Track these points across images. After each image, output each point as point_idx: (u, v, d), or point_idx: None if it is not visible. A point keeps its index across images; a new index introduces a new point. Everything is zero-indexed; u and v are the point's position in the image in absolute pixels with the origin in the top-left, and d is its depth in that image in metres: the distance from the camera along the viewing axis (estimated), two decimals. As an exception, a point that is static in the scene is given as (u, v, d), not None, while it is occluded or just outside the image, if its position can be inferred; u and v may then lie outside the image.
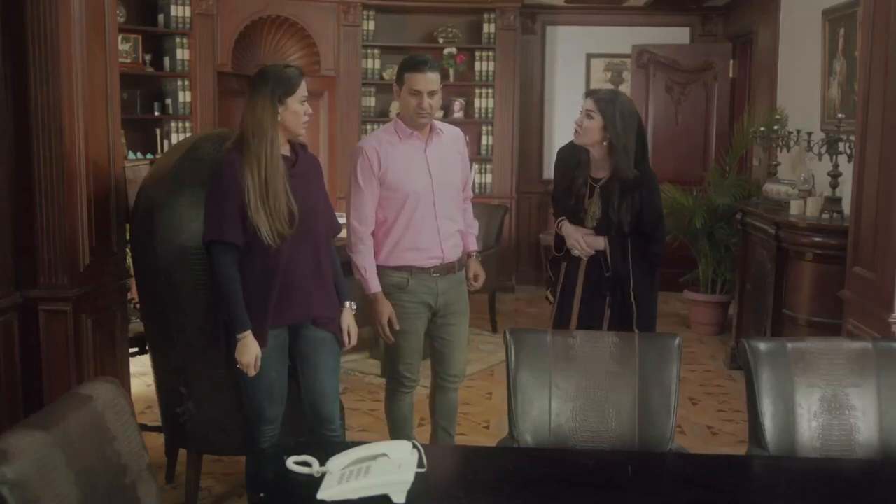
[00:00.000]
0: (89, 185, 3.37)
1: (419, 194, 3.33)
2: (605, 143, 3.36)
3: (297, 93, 2.86)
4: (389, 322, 3.34)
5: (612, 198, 3.37)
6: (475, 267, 3.57)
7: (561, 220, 3.52)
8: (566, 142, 3.59)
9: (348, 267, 3.37)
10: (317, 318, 3.00)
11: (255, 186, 2.78)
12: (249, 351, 2.85)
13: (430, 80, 3.26)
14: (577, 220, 3.46)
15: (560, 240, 3.54)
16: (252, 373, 2.87)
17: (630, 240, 3.40)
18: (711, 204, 6.29)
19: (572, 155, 3.51)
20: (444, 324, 3.48)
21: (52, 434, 1.72)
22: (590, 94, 3.44)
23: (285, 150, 2.93)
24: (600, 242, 3.41)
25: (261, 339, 2.90)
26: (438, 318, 3.46)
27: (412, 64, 3.30)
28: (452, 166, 3.45)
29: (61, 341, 3.28)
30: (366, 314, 3.53)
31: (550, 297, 3.64)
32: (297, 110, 2.87)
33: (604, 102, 3.34)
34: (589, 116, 3.35)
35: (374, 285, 3.34)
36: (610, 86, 8.13)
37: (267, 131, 2.81)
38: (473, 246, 3.61)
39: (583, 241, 3.41)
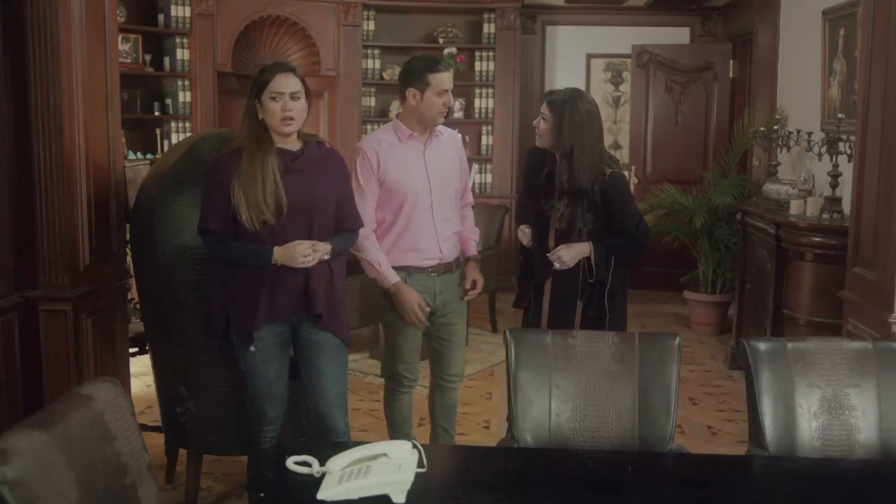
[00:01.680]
0: (89, 185, 3.37)
1: (417, 195, 3.32)
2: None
3: (266, 90, 2.85)
4: (420, 307, 3.30)
5: (572, 202, 3.27)
6: (474, 272, 3.51)
7: (522, 229, 3.46)
8: None
9: (356, 267, 3.36)
10: (316, 316, 2.96)
11: (239, 181, 2.83)
12: (287, 253, 2.83)
13: (450, 78, 3.32)
14: (544, 221, 3.36)
15: (524, 246, 3.48)
16: (310, 257, 2.85)
17: (612, 243, 3.33)
18: (711, 204, 6.29)
19: (540, 157, 3.42)
20: (443, 323, 3.48)
21: (52, 434, 1.72)
22: (546, 94, 3.39)
23: (288, 143, 2.93)
24: (585, 249, 3.31)
25: (248, 338, 2.92)
26: (437, 317, 3.46)
27: (433, 64, 3.31)
28: (450, 168, 3.44)
29: (61, 341, 3.28)
30: (367, 313, 3.53)
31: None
32: (269, 108, 2.85)
33: (555, 104, 3.27)
34: (543, 118, 3.31)
35: (391, 276, 3.31)
36: (610, 86, 8.13)
37: (246, 129, 2.89)
38: (473, 251, 3.56)
39: (565, 255, 3.29)
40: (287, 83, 2.86)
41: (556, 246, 3.35)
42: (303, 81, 2.92)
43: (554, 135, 3.27)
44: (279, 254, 2.84)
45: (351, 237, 3.10)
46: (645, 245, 3.45)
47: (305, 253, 2.83)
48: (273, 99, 2.85)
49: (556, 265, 3.32)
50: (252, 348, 2.94)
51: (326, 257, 2.92)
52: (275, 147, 2.89)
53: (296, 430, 3.21)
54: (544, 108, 3.31)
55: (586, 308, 3.36)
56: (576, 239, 3.30)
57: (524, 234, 3.44)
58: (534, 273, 3.43)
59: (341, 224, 3.01)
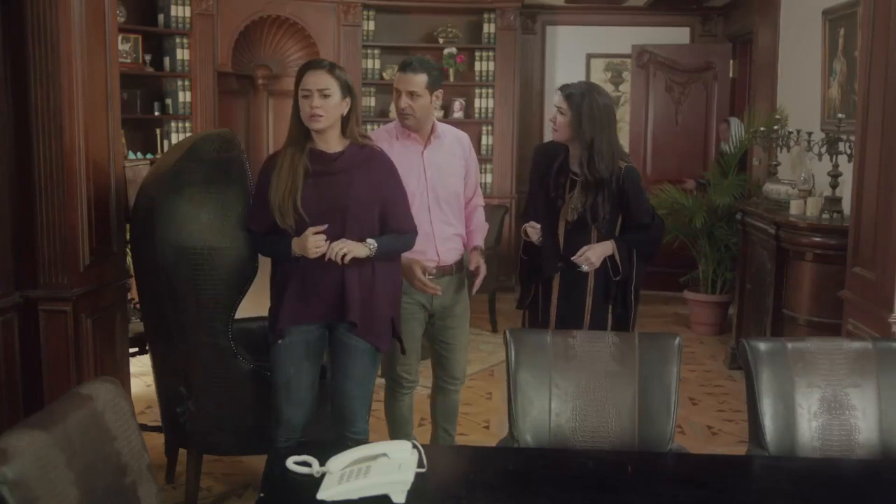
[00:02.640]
0: (89, 185, 3.37)
1: (413, 196, 3.28)
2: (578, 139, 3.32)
3: (298, 88, 2.89)
4: (425, 272, 3.25)
5: (591, 193, 3.30)
6: (477, 259, 3.47)
7: (529, 226, 3.42)
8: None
9: None
10: (351, 322, 2.92)
11: (274, 177, 2.90)
12: (300, 243, 2.84)
13: (408, 80, 3.25)
14: (554, 214, 3.38)
15: (528, 245, 3.46)
16: (321, 248, 2.82)
17: (632, 238, 3.37)
18: (711, 204, 6.29)
19: (549, 153, 3.46)
20: (444, 327, 3.46)
21: (52, 434, 1.72)
22: (561, 88, 3.37)
23: (328, 145, 2.94)
24: (608, 247, 3.34)
25: (276, 334, 2.95)
26: (437, 320, 3.45)
27: (400, 64, 3.34)
28: (451, 170, 3.41)
29: (61, 341, 3.28)
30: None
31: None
32: (300, 105, 2.89)
33: (574, 97, 3.28)
34: (560, 113, 3.31)
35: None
36: (610, 86, 8.13)
37: (290, 128, 2.95)
38: (477, 242, 3.53)
39: (593, 256, 3.31)
40: (315, 80, 2.86)
41: (565, 239, 3.36)
42: (339, 79, 2.89)
43: (573, 127, 3.28)
44: (295, 244, 2.86)
45: (402, 239, 3.03)
46: (662, 237, 3.50)
47: (317, 244, 2.82)
48: (304, 96, 2.87)
49: (585, 267, 3.32)
50: (280, 342, 2.96)
51: (372, 254, 2.89)
52: (308, 147, 2.91)
53: (320, 431, 3.18)
54: (561, 102, 3.31)
55: (613, 307, 3.39)
56: (590, 231, 3.33)
57: (534, 229, 3.40)
58: (539, 271, 3.43)
59: (387, 226, 2.98)
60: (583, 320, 3.36)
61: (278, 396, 3.00)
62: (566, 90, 3.33)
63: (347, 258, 2.83)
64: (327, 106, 2.86)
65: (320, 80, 2.87)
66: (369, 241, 2.90)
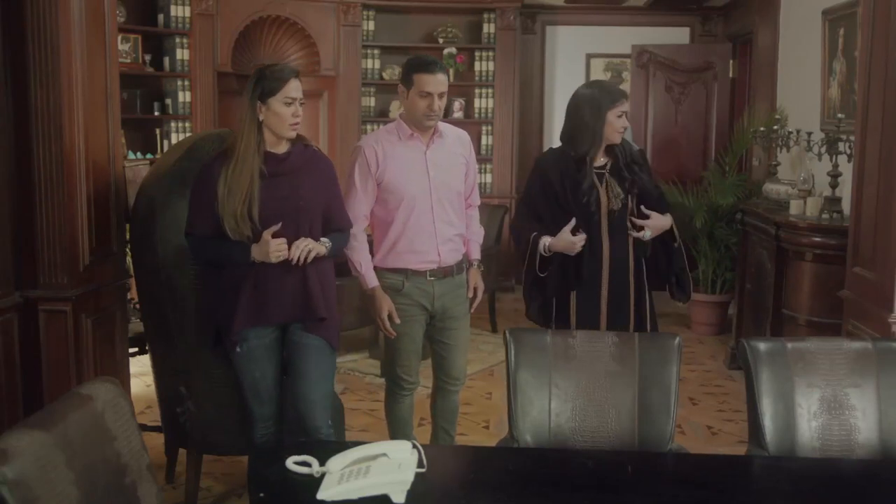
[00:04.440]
0: (89, 185, 3.37)
1: (416, 196, 3.30)
2: None
3: (279, 94, 2.82)
4: (390, 316, 3.30)
5: (630, 171, 3.36)
6: (475, 278, 3.49)
7: (538, 236, 3.35)
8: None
9: (345, 267, 3.35)
10: (304, 319, 2.94)
11: (224, 184, 2.82)
12: (260, 249, 2.80)
13: (440, 81, 3.22)
14: (588, 213, 3.29)
15: (543, 259, 3.34)
16: (283, 252, 2.80)
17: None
18: (711, 204, 6.29)
19: (559, 162, 3.38)
20: (444, 328, 3.45)
21: (52, 434, 1.72)
22: (625, 94, 3.43)
23: (279, 147, 2.92)
24: (667, 220, 3.38)
25: (233, 340, 2.93)
26: (437, 321, 3.44)
27: (422, 64, 3.25)
28: (453, 170, 3.41)
29: (61, 341, 3.28)
30: (365, 313, 3.52)
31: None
32: (279, 112, 2.83)
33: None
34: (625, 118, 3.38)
35: (371, 280, 3.30)
36: (610, 85, 8.14)
37: (243, 132, 2.84)
38: (476, 255, 3.53)
39: (654, 227, 3.31)
40: (299, 88, 2.87)
41: (609, 231, 3.33)
42: None
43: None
44: (255, 251, 2.82)
45: (343, 237, 3.09)
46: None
47: (279, 248, 2.79)
48: (287, 104, 2.84)
49: (647, 233, 3.31)
50: (238, 349, 2.95)
51: (327, 252, 2.90)
52: (263, 151, 2.87)
53: (296, 429, 3.19)
54: (628, 106, 3.42)
55: (669, 279, 3.46)
56: (626, 215, 3.36)
57: (581, 238, 3.28)
58: (577, 275, 3.32)
59: (330, 225, 2.99)
60: (628, 308, 3.34)
61: (247, 397, 3.03)
62: (625, 94, 3.45)
63: (311, 256, 2.84)
64: (301, 113, 2.89)
65: (300, 88, 2.88)
66: (323, 239, 2.91)
